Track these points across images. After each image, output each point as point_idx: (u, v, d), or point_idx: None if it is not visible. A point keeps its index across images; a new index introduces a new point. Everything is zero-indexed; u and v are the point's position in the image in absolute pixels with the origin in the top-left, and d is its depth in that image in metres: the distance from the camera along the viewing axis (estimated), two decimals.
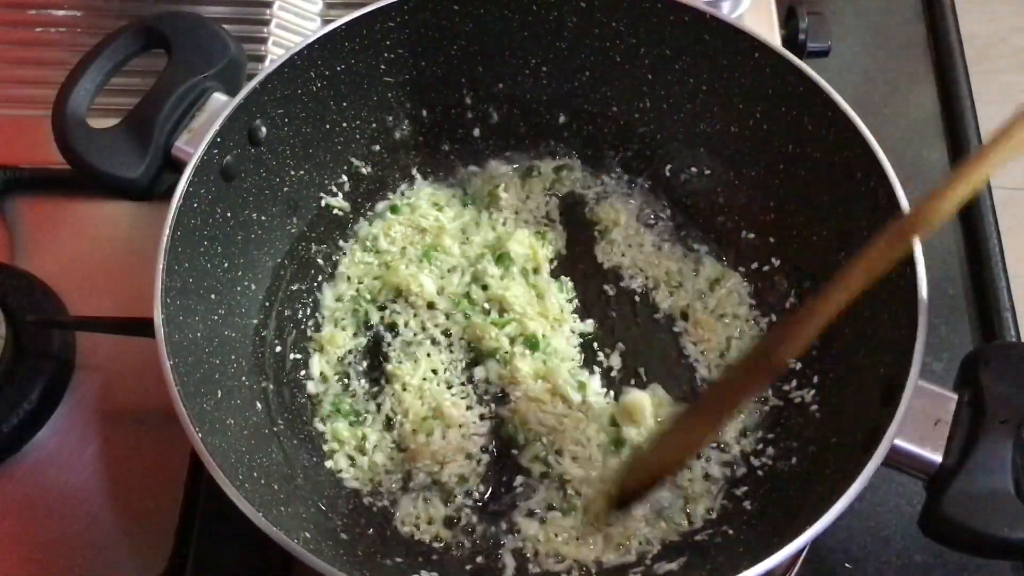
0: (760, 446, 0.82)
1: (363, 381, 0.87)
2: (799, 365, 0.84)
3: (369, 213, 0.96)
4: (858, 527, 0.86)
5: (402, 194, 0.97)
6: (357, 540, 0.76)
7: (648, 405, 0.84)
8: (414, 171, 0.98)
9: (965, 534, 0.62)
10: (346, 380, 0.87)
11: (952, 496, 0.63)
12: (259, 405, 0.80)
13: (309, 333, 0.90)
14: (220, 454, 0.66)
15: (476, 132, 0.98)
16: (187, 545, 0.82)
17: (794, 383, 0.83)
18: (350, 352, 0.89)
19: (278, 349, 0.87)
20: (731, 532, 0.75)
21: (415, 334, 0.89)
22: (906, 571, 0.84)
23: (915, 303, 0.68)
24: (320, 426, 0.85)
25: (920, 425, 0.65)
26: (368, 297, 0.91)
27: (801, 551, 0.82)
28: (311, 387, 0.87)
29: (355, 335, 0.90)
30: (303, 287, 0.91)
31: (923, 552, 0.85)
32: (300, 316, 0.90)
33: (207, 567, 0.82)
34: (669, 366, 0.88)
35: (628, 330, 0.90)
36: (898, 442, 0.64)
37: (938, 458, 0.64)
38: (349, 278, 0.93)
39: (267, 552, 0.82)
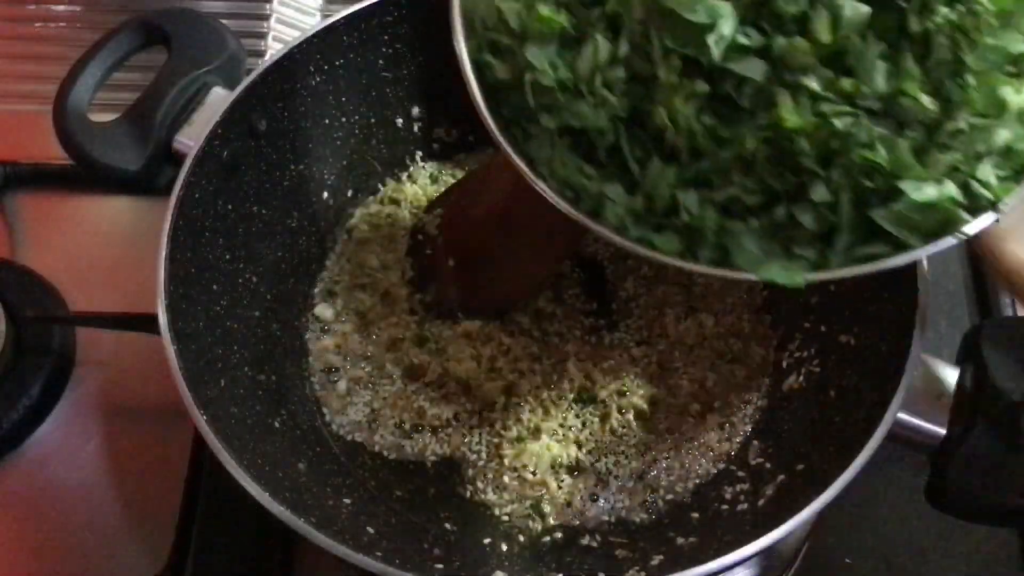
0: (763, 424, 0.83)
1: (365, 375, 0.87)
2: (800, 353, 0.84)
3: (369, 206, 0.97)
4: (858, 521, 0.86)
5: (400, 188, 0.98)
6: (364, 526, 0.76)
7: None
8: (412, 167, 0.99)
9: (971, 502, 0.63)
10: (347, 374, 0.87)
11: (957, 466, 0.63)
12: (261, 395, 0.80)
13: (311, 328, 0.90)
14: (223, 438, 0.66)
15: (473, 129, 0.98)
16: (188, 541, 0.82)
17: (796, 353, 0.84)
18: (351, 348, 0.89)
19: (280, 343, 0.87)
20: (738, 509, 0.76)
21: None
22: (907, 565, 0.85)
23: (914, 276, 0.68)
24: (324, 419, 0.85)
25: (923, 398, 0.66)
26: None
27: (800, 550, 0.82)
28: (314, 380, 0.87)
29: (356, 331, 0.90)
30: (304, 281, 0.91)
31: (924, 547, 0.85)
32: (301, 310, 0.90)
33: (208, 563, 0.82)
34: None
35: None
36: (901, 415, 0.65)
37: (942, 430, 0.65)
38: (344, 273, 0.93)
39: (268, 547, 0.82)
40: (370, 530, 0.73)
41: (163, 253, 0.73)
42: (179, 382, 0.67)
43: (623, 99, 0.57)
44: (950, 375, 0.67)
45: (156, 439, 0.87)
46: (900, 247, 0.55)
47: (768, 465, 0.79)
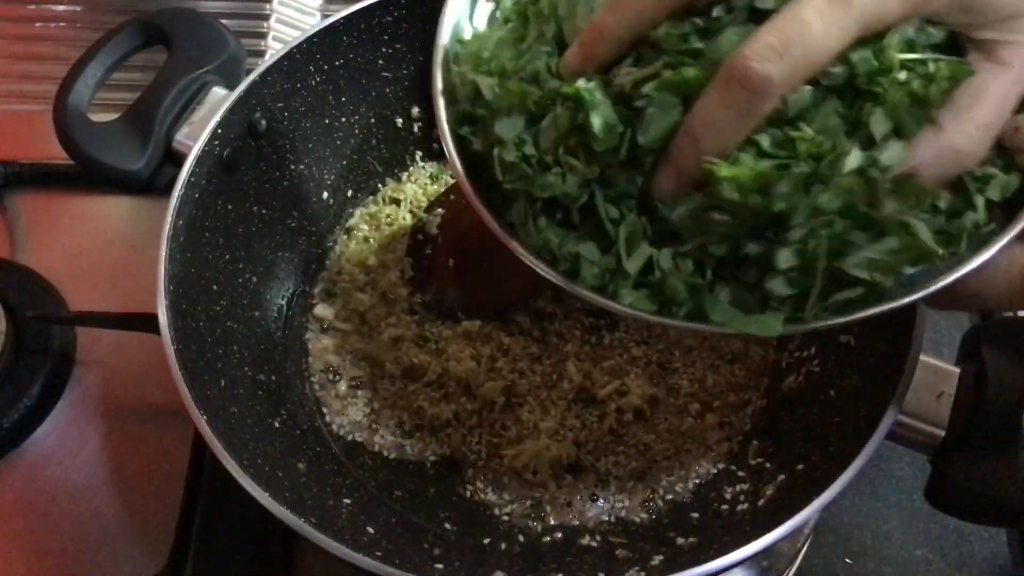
0: (763, 424, 0.82)
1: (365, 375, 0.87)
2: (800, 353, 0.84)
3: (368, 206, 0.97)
4: (858, 522, 0.86)
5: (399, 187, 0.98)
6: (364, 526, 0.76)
7: None
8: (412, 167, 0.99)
9: (971, 502, 0.63)
10: (347, 374, 0.87)
11: (958, 466, 0.63)
12: (261, 395, 0.80)
13: (311, 328, 0.90)
14: (223, 439, 0.66)
15: None
16: (188, 541, 0.82)
17: (796, 353, 0.84)
18: (351, 348, 0.89)
19: (280, 343, 0.87)
20: (738, 509, 0.76)
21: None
22: (906, 566, 0.84)
23: None
24: (324, 419, 0.85)
25: (923, 398, 0.65)
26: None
27: (800, 550, 0.82)
28: (314, 380, 0.87)
29: (356, 331, 0.90)
30: (303, 281, 0.91)
31: (923, 547, 0.85)
32: (301, 311, 0.90)
33: (208, 563, 0.81)
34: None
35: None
36: (901, 415, 0.65)
37: (941, 431, 0.65)
38: (344, 273, 0.93)
39: (268, 547, 0.82)
40: (370, 530, 0.73)
41: (163, 253, 0.73)
42: (179, 382, 0.67)
43: (592, 163, 0.56)
44: (950, 375, 0.66)
45: (156, 439, 0.87)
46: (875, 289, 0.53)
47: (768, 465, 0.79)
